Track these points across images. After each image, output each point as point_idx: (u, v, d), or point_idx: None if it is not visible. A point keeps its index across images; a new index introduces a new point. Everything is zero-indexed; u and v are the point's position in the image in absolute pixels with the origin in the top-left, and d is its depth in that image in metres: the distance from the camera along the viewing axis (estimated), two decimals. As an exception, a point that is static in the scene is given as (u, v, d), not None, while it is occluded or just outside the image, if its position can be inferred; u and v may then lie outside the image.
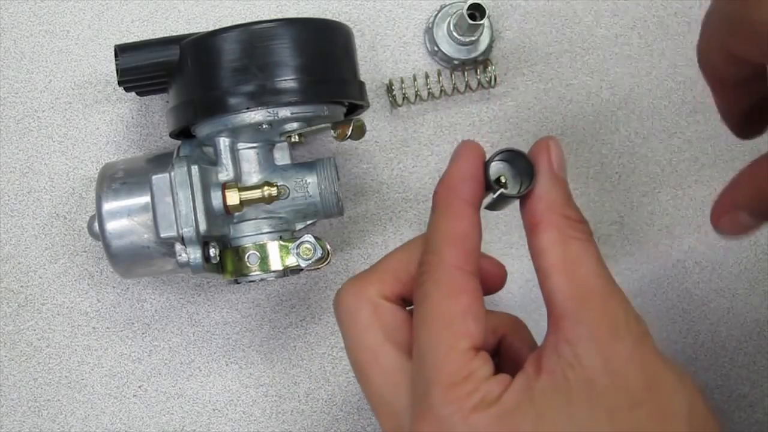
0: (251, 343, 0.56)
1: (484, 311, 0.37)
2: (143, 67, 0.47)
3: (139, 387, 0.55)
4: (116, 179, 0.48)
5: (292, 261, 0.48)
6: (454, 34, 0.54)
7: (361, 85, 0.49)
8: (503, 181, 0.39)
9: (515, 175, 0.39)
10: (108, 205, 0.48)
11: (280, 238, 0.48)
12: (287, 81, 0.45)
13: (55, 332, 0.55)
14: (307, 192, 0.49)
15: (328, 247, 0.48)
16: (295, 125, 0.47)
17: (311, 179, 0.49)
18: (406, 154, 0.56)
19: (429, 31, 0.56)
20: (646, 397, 0.34)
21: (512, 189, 0.39)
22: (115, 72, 0.47)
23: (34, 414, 0.55)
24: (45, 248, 0.55)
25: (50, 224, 0.55)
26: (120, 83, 0.48)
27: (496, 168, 0.39)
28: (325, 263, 0.48)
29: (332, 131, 0.46)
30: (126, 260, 0.48)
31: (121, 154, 0.55)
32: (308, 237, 0.48)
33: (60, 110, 0.55)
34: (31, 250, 0.55)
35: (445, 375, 0.35)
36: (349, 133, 0.46)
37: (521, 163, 0.39)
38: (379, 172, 0.56)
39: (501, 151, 0.39)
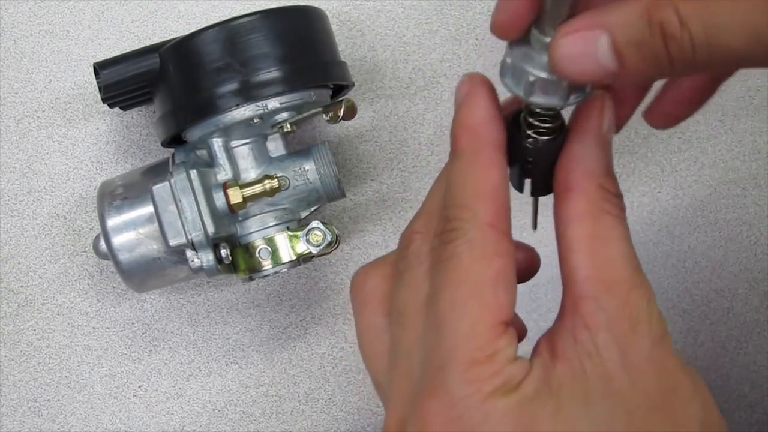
0: (251, 343, 0.56)
1: (516, 280, 0.33)
2: (125, 81, 0.47)
3: (139, 387, 0.55)
4: (116, 195, 0.48)
5: (302, 249, 0.48)
6: None
7: (344, 65, 0.49)
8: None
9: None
10: (112, 222, 0.48)
11: (288, 228, 0.49)
12: (271, 72, 0.46)
13: (55, 332, 0.55)
14: (307, 179, 0.49)
15: (337, 231, 0.48)
16: (285, 115, 0.47)
17: (309, 166, 0.49)
18: (406, 154, 0.56)
19: None
20: (662, 401, 0.32)
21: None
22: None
23: (34, 414, 0.55)
24: (45, 248, 0.55)
25: (50, 224, 0.55)
26: (104, 100, 0.48)
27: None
28: (335, 247, 0.49)
29: (324, 115, 0.47)
30: (139, 274, 0.48)
31: (122, 155, 0.55)
32: (316, 223, 0.48)
33: (60, 110, 0.55)
34: (31, 250, 0.55)
35: (467, 351, 0.31)
36: (341, 114, 0.46)
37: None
38: (379, 172, 0.56)
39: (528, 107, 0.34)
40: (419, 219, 0.36)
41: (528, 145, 0.34)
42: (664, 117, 0.41)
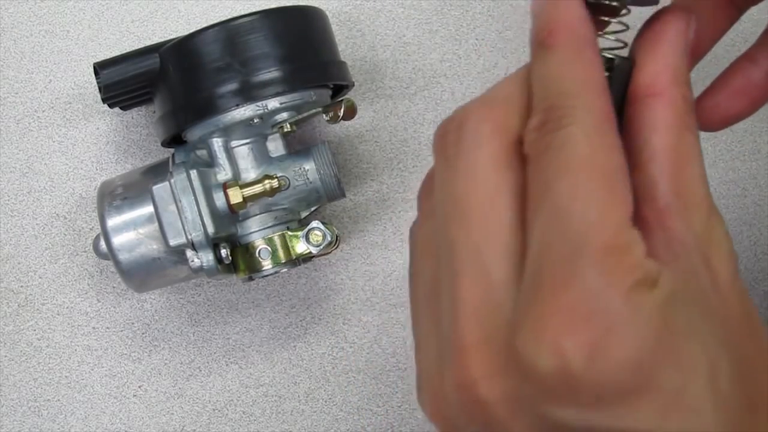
0: (251, 343, 0.56)
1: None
2: (125, 81, 0.47)
3: (139, 387, 0.55)
4: (116, 195, 0.48)
5: (302, 249, 0.48)
6: None
7: (344, 65, 0.49)
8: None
9: None
10: (112, 222, 0.48)
11: (288, 228, 0.49)
12: (271, 72, 0.46)
13: (55, 332, 0.55)
14: (307, 179, 0.49)
15: (337, 231, 0.49)
16: (285, 115, 0.47)
17: (309, 166, 0.49)
18: (406, 154, 0.56)
19: None
20: (748, 328, 0.29)
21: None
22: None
23: (34, 414, 0.55)
24: (45, 248, 0.55)
25: (50, 224, 0.55)
26: (104, 100, 0.48)
27: None
28: (335, 247, 0.49)
29: (324, 115, 0.47)
30: (139, 274, 0.48)
31: (122, 155, 0.55)
32: (316, 223, 0.48)
33: (60, 110, 0.55)
34: (31, 250, 0.55)
35: (602, 237, 0.27)
36: (341, 114, 0.46)
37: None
38: (379, 172, 0.56)
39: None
40: (477, 102, 0.31)
41: (606, 70, 0.31)
42: (714, 113, 0.39)
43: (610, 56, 0.32)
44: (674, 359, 0.27)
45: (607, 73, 0.31)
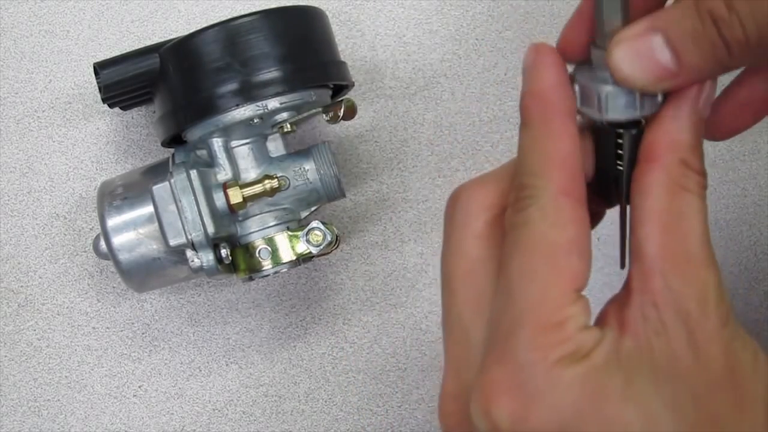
0: (251, 343, 0.56)
1: (591, 248, 0.32)
2: (125, 81, 0.47)
3: (139, 387, 0.55)
4: (116, 195, 0.48)
5: (302, 249, 0.48)
6: None
7: (344, 65, 0.49)
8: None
9: None
10: (112, 222, 0.48)
11: (288, 228, 0.49)
12: (271, 72, 0.46)
13: (55, 332, 0.55)
14: (307, 179, 0.49)
15: (337, 231, 0.49)
16: (285, 115, 0.47)
17: (309, 166, 0.49)
18: (406, 154, 0.56)
19: None
20: (727, 381, 0.31)
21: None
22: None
23: (34, 414, 0.55)
24: (45, 248, 0.55)
25: (50, 224, 0.55)
26: (104, 100, 0.48)
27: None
28: (335, 247, 0.49)
29: (324, 115, 0.47)
30: (139, 274, 0.48)
31: (122, 155, 0.55)
32: (316, 223, 0.48)
33: (60, 110, 0.55)
34: (31, 250, 0.55)
35: (536, 316, 0.31)
36: (341, 114, 0.46)
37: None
38: (379, 172, 0.56)
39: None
40: (473, 182, 0.36)
41: (619, 140, 0.34)
42: (721, 126, 0.40)
43: (625, 131, 0.33)
44: (601, 421, 0.30)
45: (622, 131, 0.33)
